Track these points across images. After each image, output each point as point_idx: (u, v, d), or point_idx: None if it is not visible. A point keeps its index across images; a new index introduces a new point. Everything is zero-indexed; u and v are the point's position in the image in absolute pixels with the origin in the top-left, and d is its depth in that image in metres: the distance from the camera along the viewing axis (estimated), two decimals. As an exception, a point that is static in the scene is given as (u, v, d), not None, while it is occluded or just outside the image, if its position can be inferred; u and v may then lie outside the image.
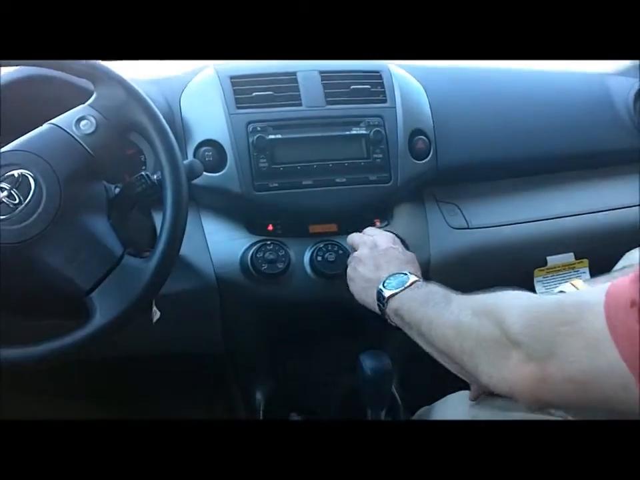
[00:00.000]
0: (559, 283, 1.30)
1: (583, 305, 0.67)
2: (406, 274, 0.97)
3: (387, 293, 0.96)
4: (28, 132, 0.94)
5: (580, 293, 0.70)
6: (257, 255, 1.14)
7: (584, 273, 1.33)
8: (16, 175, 0.90)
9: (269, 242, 1.15)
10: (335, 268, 1.15)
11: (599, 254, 1.28)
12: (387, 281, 0.98)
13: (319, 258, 1.16)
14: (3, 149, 0.92)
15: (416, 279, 0.96)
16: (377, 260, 1.04)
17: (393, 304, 0.95)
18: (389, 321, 0.97)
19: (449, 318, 0.82)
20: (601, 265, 1.13)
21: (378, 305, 0.98)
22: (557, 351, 0.67)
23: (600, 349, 0.63)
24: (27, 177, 0.90)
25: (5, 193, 0.89)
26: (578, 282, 0.99)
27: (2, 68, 1.07)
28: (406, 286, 0.95)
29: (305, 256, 1.17)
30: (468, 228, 1.26)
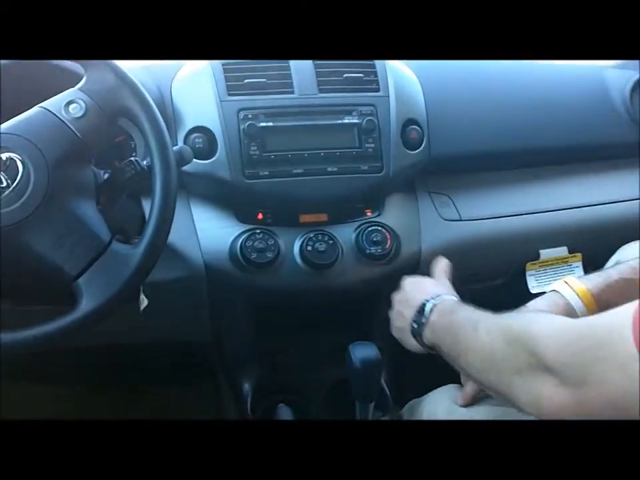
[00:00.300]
0: (552, 277, 1.30)
1: (612, 327, 0.66)
2: (425, 302, 0.96)
3: (418, 332, 0.95)
4: (17, 115, 0.93)
5: (608, 315, 0.70)
6: (246, 244, 1.13)
7: (577, 267, 1.32)
8: (4, 158, 0.89)
9: (258, 231, 1.14)
10: (325, 258, 1.15)
11: (592, 248, 1.28)
12: (413, 323, 0.97)
13: (309, 248, 1.15)
14: None
15: (434, 304, 0.94)
16: (400, 305, 1.04)
17: (428, 340, 0.94)
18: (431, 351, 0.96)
19: (482, 349, 0.81)
20: (594, 260, 1.13)
21: (421, 345, 0.97)
22: (591, 376, 0.67)
23: (631, 371, 0.63)
24: (14, 160, 0.89)
25: (-7, 176, 0.88)
26: (571, 279, 0.98)
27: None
28: (428, 314, 0.94)
29: (294, 245, 1.16)
30: (460, 220, 1.26)
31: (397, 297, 1.05)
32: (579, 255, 1.32)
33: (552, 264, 1.31)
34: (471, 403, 1.00)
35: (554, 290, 0.98)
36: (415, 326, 0.96)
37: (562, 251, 1.31)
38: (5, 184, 0.88)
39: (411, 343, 0.99)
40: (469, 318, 0.86)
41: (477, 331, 0.82)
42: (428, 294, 0.97)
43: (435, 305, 0.94)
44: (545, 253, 1.31)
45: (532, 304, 0.98)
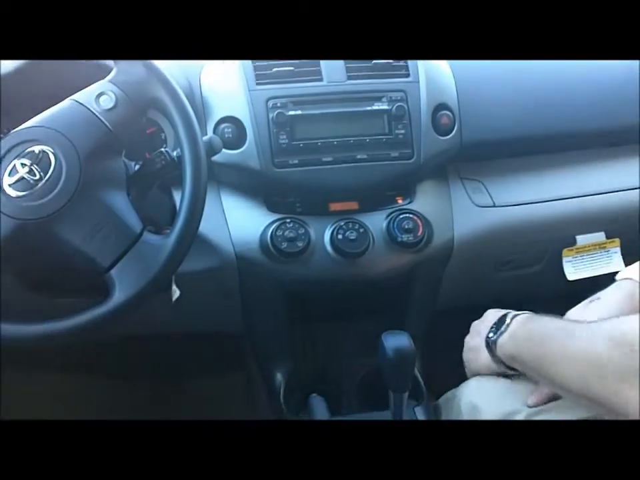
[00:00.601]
0: (589, 264, 1.28)
1: None
2: (505, 314, 0.95)
3: (494, 340, 0.94)
4: (48, 108, 0.93)
5: None
6: (277, 233, 1.13)
7: (615, 253, 1.30)
8: (36, 151, 0.89)
9: (288, 220, 1.14)
10: (356, 246, 1.14)
11: (630, 233, 1.26)
12: (490, 333, 0.96)
13: (340, 236, 1.14)
14: (24, 125, 0.92)
15: (515, 312, 0.93)
16: (476, 326, 1.03)
17: (506, 350, 0.92)
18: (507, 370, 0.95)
19: (581, 356, 0.78)
20: (632, 245, 1.10)
21: (493, 359, 0.96)
22: None
23: None
24: (47, 152, 0.89)
25: (26, 169, 0.88)
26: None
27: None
28: (508, 323, 0.92)
29: (325, 234, 1.16)
30: (493, 206, 1.24)
31: (473, 324, 1.04)
32: (617, 240, 1.30)
33: (589, 250, 1.29)
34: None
35: (627, 278, 0.95)
36: (492, 335, 0.94)
37: (599, 236, 1.29)
38: (37, 176, 0.88)
39: (480, 363, 0.98)
40: (561, 326, 0.84)
41: (573, 337, 0.80)
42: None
43: (515, 315, 0.93)
44: (582, 239, 1.28)
45: (605, 294, 0.96)
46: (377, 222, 1.17)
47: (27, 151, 0.89)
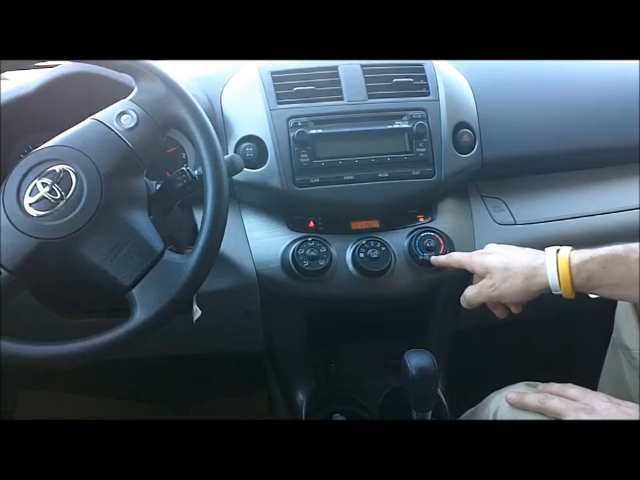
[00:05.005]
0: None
1: None
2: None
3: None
4: (70, 127, 0.93)
5: None
6: (298, 252, 1.12)
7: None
8: (57, 170, 0.90)
9: (310, 238, 1.14)
10: (377, 265, 1.13)
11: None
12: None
13: (362, 255, 1.14)
14: (45, 145, 0.92)
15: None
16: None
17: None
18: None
19: None
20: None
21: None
22: None
23: None
24: (68, 172, 0.90)
25: (47, 188, 0.89)
26: None
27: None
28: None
29: (346, 253, 1.15)
30: (514, 224, 1.23)
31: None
32: None
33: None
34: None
35: None
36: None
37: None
38: (59, 196, 0.88)
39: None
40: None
41: None
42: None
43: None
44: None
45: None
46: (398, 240, 1.17)
47: (48, 170, 0.90)
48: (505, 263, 1.04)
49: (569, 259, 0.99)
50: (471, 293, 1.08)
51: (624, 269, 0.96)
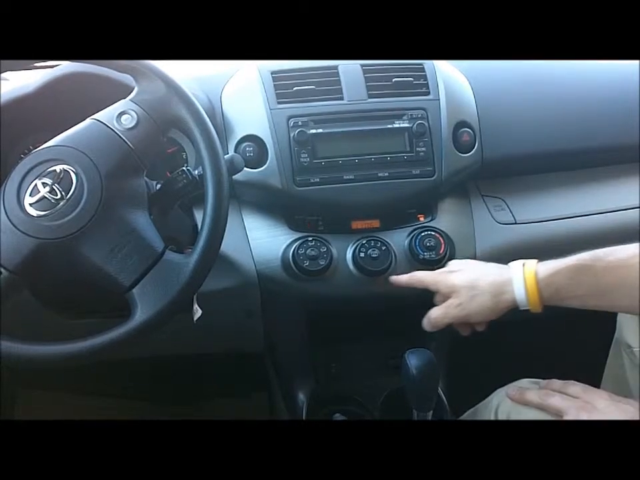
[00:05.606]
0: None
1: None
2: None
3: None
4: (70, 127, 0.93)
5: None
6: (299, 252, 1.12)
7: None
8: (58, 170, 0.89)
9: (310, 238, 1.14)
10: (378, 264, 1.13)
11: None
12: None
13: (362, 254, 1.14)
14: (45, 145, 0.92)
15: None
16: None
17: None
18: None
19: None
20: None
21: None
22: None
23: None
24: (68, 172, 0.89)
25: (47, 188, 0.88)
26: None
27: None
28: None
29: (347, 252, 1.15)
30: (515, 223, 1.23)
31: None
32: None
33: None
34: None
35: None
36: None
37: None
38: (59, 196, 0.88)
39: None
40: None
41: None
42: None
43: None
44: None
45: None
46: (398, 240, 1.17)
47: (48, 170, 0.89)
48: (471, 280, 1.02)
49: (536, 273, 0.97)
50: (436, 314, 1.05)
51: (591, 279, 0.94)
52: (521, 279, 0.98)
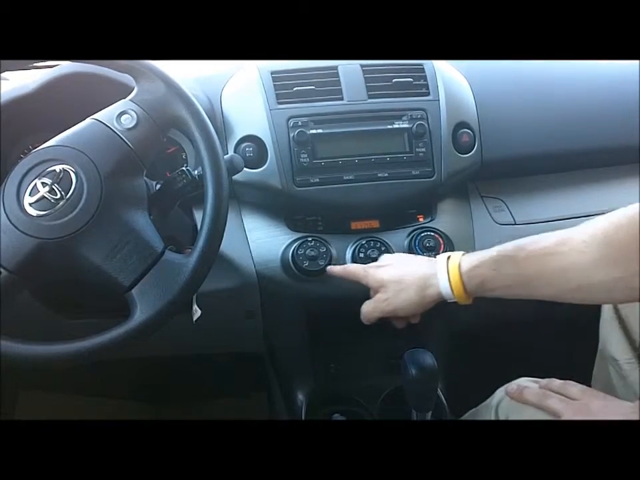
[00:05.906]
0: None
1: None
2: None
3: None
4: (70, 127, 0.93)
5: None
6: (298, 252, 1.13)
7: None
8: (57, 170, 0.89)
9: (310, 238, 1.14)
10: None
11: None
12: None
13: (361, 255, 1.14)
14: (45, 145, 0.92)
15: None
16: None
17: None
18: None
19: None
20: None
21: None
22: None
23: None
24: (68, 172, 0.90)
25: (47, 188, 0.88)
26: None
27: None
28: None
29: (346, 252, 1.16)
30: (514, 224, 1.23)
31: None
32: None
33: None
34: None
35: None
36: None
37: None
38: (58, 196, 0.88)
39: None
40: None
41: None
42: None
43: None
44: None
45: None
46: (398, 240, 1.17)
47: (47, 170, 0.89)
48: (398, 275, 1.03)
49: (459, 265, 0.97)
50: (366, 309, 1.06)
51: (513, 269, 0.94)
52: (444, 272, 0.98)
